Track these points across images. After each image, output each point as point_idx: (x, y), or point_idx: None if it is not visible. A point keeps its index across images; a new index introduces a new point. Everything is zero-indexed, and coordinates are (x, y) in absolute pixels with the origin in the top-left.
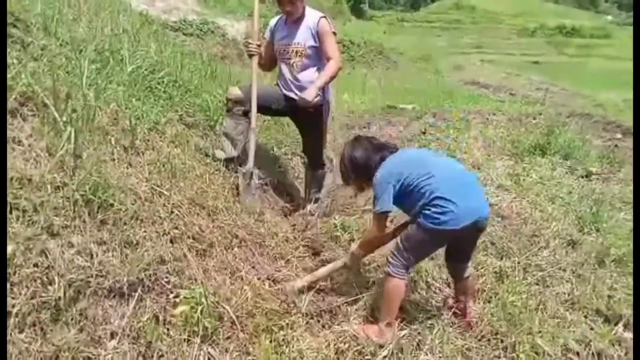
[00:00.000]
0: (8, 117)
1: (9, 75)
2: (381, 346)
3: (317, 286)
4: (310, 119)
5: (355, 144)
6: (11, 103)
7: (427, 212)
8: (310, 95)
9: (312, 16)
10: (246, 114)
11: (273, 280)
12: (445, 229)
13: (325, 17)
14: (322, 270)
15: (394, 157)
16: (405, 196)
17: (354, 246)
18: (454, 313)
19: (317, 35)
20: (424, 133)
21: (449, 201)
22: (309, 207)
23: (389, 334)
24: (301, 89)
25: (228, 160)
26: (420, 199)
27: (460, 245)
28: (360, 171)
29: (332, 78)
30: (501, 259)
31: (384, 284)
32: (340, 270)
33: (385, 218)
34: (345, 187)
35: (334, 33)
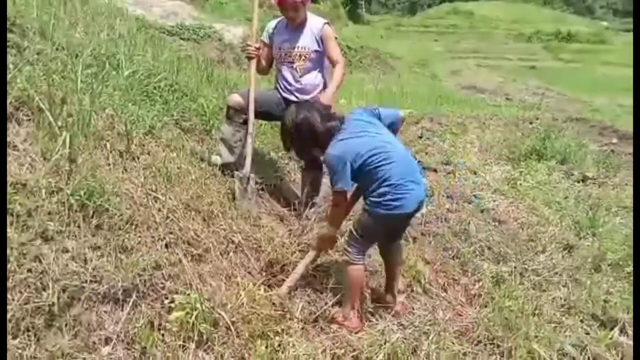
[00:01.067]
0: None
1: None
2: (377, 351)
3: (307, 289)
4: None
5: (303, 110)
6: (7, 108)
7: (379, 199)
8: (328, 98)
9: (315, 21)
10: (246, 122)
11: (269, 286)
12: (397, 212)
13: (328, 23)
14: (299, 267)
15: (346, 134)
16: (361, 175)
17: (321, 229)
18: (385, 306)
19: (322, 41)
20: (420, 137)
21: (403, 189)
22: (305, 211)
23: (355, 317)
24: (302, 91)
25: (224, 166)
26: (374, 182)
27: (401, 226)
28: (306, 138)
29: (342, 81)
30: (498, 263)
31: (345, 272)
32: (315, 257)
33: (346, 195)
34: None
35: (336, 38)
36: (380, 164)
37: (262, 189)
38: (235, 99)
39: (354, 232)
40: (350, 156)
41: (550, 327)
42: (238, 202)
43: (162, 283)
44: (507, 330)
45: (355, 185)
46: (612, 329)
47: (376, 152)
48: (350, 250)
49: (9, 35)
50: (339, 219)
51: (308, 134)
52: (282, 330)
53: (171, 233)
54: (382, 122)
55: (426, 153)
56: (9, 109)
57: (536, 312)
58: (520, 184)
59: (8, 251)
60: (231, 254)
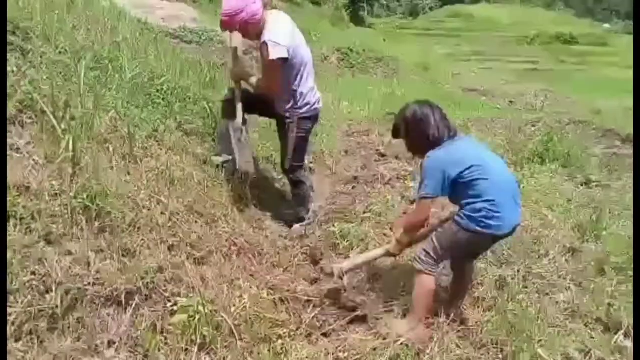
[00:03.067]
0: (7, 124)
1: (8, 83)
2: (380, 354)
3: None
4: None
5: (424, 108)
6: (10, 110)
7: (473, 214)
8: None
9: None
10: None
11: (271, 289)
12: (489, 232)
13: (265, 42)
14: (367, 255)
15: (457, 144)
16: (456, 188)
17: (396, 234)
18: (453, 320)
19: None
20: None
21: (499, 207)
22: (296, 225)
23: (422, 329)
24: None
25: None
26: (470, 197)
27: (486, 247)
28: (416, 136)
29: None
30: (501, 267)
31: (415, 281)
32: (383, 257)
33: (430, 203)
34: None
35: (272, 60)
36: (478, 177)
37: (264, 193)
38: (228, 93)
39: (435, 242)
40: (450, 166)
41: (554, 331)
42: (237, 159)
43: (164, 286)
44: (510, 334)
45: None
46: (616, 333)
47: (476, 165)
48: (425, 260)
49: (13, 39)
50: (416, 227)
51: (418, 131)
52: (285, 333)
53: (174, 236)
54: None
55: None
56: (13, 112)
57: (540, 316)
58: (523, 187)
59: (11, 254)
60: (234, 257)
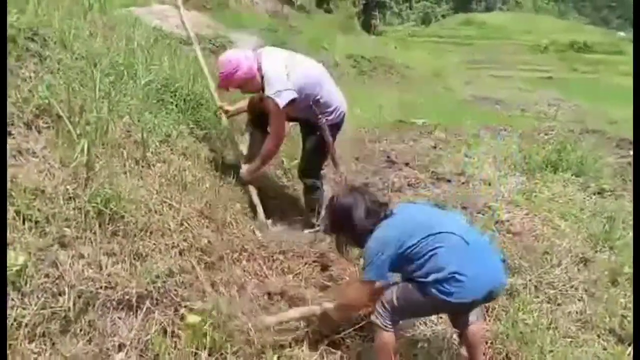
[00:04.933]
0: (24, 129)
1: (26, 88)
2: None
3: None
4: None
5: (349, 197)
6: (27, 115)
7: (440, 285)
8: (250, 172)
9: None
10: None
11: (281, 295)
12: (453, 301)
13: (270, 96)
14: (293, 313)
15: (392, 220)
16: (406, 263)
17: (327, 304)
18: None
19: None
20: (434, 148)
21: (460, 275)
22: (306, 231)
23: None
24: None
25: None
26: (428, 267)
27: (465, 309)
28: (346, 231)
29: (269, 157)
30: (512, 276)
31: (374, 338)
32: (312, 316)
33: (371, 288)
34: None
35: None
36: (433, 247)
37: (275, 198)
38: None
39: (394, 301)
40: (392, 245)
41: (565, 341)
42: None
43: (175, 290)
44: (521, 345)
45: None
46: (629, 344)
47: (416, 238)
48: (383, 314)
49: (32, 45)
50: (351, 311)
51: (344, 222)
52: (295, 341)
53: (185, 240)
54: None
55: (440, 164)
56: (30, 117)
57: (551, 326)
58: (536, 196)
59: (26, 256)
60: (244, 262)
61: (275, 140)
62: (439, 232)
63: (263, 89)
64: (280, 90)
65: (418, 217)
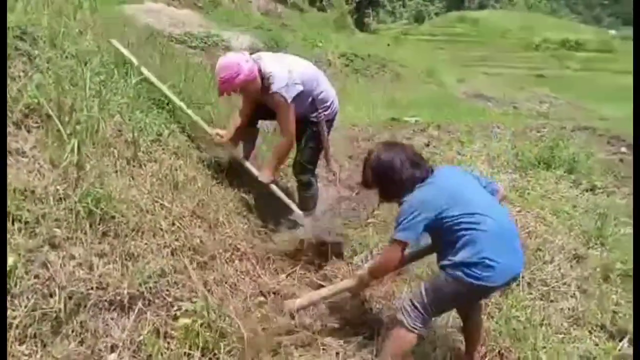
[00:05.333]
0: (13, 128)
1: (15, 88)
2: None
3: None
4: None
5: (388, 149)
6: (16, 115)
7: (467, 269)
8: (268, 176)
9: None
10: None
11: (274, 294)
12: (485, 285)
13: (277, 91)
14: (325, 291)
15: (434, 184)
16: (442, 232)
17: (362, 270)
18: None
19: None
20: (427, 145)
21: (491, 260)
22: (300, 229)
23: None
24: None
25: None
26: (460, 246)
27: (475, 299)
28: (385, 183)
29: (284, 156)
30: None
31: (393, 333)
32: (344, 293)
33: (404, 248)
34: (364, 190)
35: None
36: (464, 222)
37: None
38: None
39: (424, 294)
40: (432, 209)
41: (558, 338)
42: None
43: (167, 290)
44: (514, 341)
45: (418, 251)
46: (621, 340)
47: (457, 209)
48: (412, 314)
49: (20, 44)
50: (384, 272)
51: (386, 178)
52: (288, 340)
53: (177, 240)
54: (483, 185)
55: (433, 161)
56: (19, 116)
57: (544, 322)
58: (528, 193)
59: (16, 257)
60: (237, 261)
61: (288, 136)
62: (478, 213)
63: (263, 91)
64: (287, 84)
65: (461, 189)
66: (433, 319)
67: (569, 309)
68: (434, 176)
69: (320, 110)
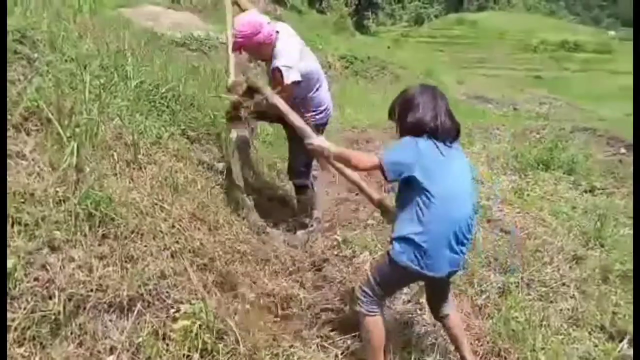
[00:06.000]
0: (13, 131)
1: (14, 91)
2: None
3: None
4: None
5: (428, 91)
6: (16, 118)
7: (407, 248)
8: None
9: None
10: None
11: (274, 296)
12: (421, 271)
13: (277, 67)
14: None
15: (437, 144)
16: (402, 192)
17: (334, 146)
18: None
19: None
20: None
21: (436, 248)
22: (299, 232)
23: None
24: None
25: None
26: (407, 217)
27: (432, 288)
28: (405, 119)
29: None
30: (504, 274)
31: (360, 326)
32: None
33: (377, 165)
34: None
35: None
36: (425, 195)
37: (269, 199)
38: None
39: (370, 277)
40: (419, 161)
41: (557, 339)
42: (247, 215)
43: (167, 292)
44: (513, 342)
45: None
46: (620, 341)
47: (438, 191)
48: (364, 300)
49: (20, 47)
50: (346, 160)
51: (409, 114)
52: (288, 341)
53: (177, 242)
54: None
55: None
56: (19, 119)
57: (543, 323)
58: (528, 195)
59: (15, 260)
60: (236, 263)
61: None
62: (445, 188)
63: (270, 60)
64: (291, 66)
65: (446, 162)
66: (386, 299)
67: (568, 309)
68: (447, 146)
69: (312, 113)
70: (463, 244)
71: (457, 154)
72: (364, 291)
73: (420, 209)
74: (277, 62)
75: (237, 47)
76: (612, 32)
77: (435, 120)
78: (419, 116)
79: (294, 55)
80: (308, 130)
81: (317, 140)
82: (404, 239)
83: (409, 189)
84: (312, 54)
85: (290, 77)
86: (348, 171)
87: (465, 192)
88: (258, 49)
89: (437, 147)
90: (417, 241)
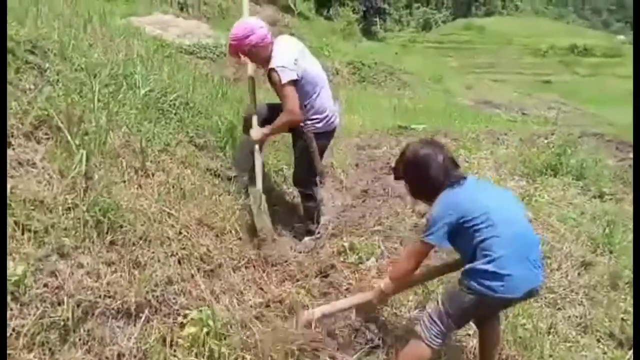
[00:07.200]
0: (23, 140)
1: (25, 100)
2: None
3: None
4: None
5: (427, 145)
6: (27, 126)
7: (478, 273)
8: (258, 134)
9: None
10: None
11: (280, 302)
12: (499, 296)
13: (274, 68)
14: (343, 302)
15: (460, 188)
16: (462, 238)
17: (382, 282)
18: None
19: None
20: None
21: (507, 268)
22: (306, 238)
23: None
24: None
25: (237, 180)
26: (473, 252)
27: (494, 311)
28: (415, 178)
29: (281, 128)
30: None
31: (410, 345)
32: (363, 305)
33: (426, 250)
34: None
35: (283, 84)
36: (482, 228)
37: (275, 205)
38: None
39: (441, 307)
40: (454, 212)
41: (565, 346)
42: (255, 221)
43: (174, 298)
44: (521, 349)
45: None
46: (630, 348)
47: (481, 214)
48: (429, 327)
49: (31, 57)
50: (405, 278)
51: (418, 174)
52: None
53: (184, 249)
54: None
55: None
56: (29, 128)
57: (551, 330)
58: (536, 200)
59: (25, 266)
60: (243, 270)
61: (287, 113)
62: (497, 222)
63: (268, 63)
64: (284, 66)
65: (484, 196)
66: (451, 332)
67: (576, 316)
68: (462, 183)
69: (312, 120)
70: (534, 256)
71: (474, 180)
72: (431, 318)
73: (482, 238)
74: (272, 64)
75: (232, 51)
76: (621, 37)
77: (444, 173)
78: (431, 177)
79: (289, 56)
80: (358, 299)
81: (374, 293)
82: (478, 269)
83: (460, 234)
84: (314, 58)
85: (285, 76)
86: (409, 278)
87: (512, 208)
88: (255, 52)
89: (460, 190)
90: (491, 266)
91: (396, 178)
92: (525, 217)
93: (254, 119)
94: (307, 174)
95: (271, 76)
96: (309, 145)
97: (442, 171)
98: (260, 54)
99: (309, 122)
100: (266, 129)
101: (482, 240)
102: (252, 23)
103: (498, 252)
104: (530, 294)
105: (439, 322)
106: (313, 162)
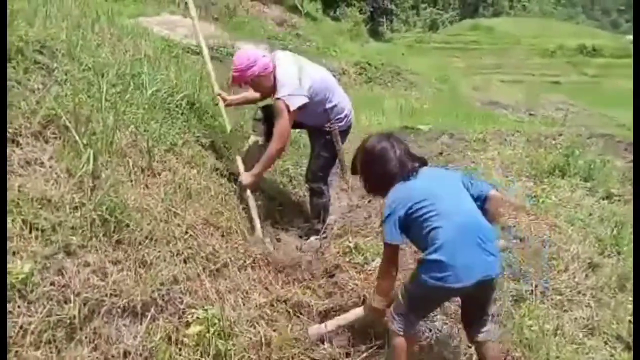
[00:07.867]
0: (31, 139)
1: (33, 100)
2: None
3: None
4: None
5: (382, 140)
6: (35, 126)
7: (429, 268)
8: (248, 177)
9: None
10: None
11: (286, 302)
12: (448, 286)
13: (280, 98)
14: (348, 316)
15: (408, 182)
16: (411, 230)
17: (370, 299)
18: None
19: None
20: (440, 154)
21: (453, 255)
22: (312, 238)
23: None
24: None
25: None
26: (422, 241)
27: (467, 303)
28: (369, 173)
29: (272, 161)
30: (518, 281)
31: (391, 343)
32: (367, 320)
33: (395, 250)
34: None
35: (290, 111)
36: (428, 217)
37: (281, 205)
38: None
39: (400, 299)
40: (401, 206)
41: (572, 348)
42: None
43: (180, 297)
44: (527, 351)
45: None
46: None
47: (424, 201)
48: (397, 319)
49: (39, 57)
50: (387, 279)
51: (373, 168)
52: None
53: (190, 248)
54: (466, 187)
55: (446, 170)
56: (38, 127)
57: (558, 332)
58: (543, 202)
59: (32, 264)
60: (249, 269)
61: (279, 144)
62: (443, 211)
63: (274, 92)
64: (293, 94)
65: (433, 186)
66: (419, 321)
67: (583, 318)
68: (415, 175)
69: (334, 121)
70: (483, 244)
71: (427, 171)
72: (396, 311)
73: (428, 227)
74: (278, 94)
75: (235, 82)
76: (630, 37)
77: (398, 167)
78: (387, 171)
79: (293, 81)
80: (357, 314)
81: (370, 312)
82: (426, 260)
83: (409, 225)
84: (314, 65)
85: (295, 103)
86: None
87: (456, 195)
88: (258, 82)
89: (409, 182)
90: (437, 255)
91: (353, 173)
92: (465, 196)
93: (239, 162)
94: (324, 171)
95: (277, 106)
96: (337, 144)
97: (397, 165)
98: (263, 84)
99: (333, 122)
100: (255, 170)
101: (431, 230)
102: (254, 53)
103: (443, 239)
104: (486, 282)
105: (402, 314)
106: (332, 160)
